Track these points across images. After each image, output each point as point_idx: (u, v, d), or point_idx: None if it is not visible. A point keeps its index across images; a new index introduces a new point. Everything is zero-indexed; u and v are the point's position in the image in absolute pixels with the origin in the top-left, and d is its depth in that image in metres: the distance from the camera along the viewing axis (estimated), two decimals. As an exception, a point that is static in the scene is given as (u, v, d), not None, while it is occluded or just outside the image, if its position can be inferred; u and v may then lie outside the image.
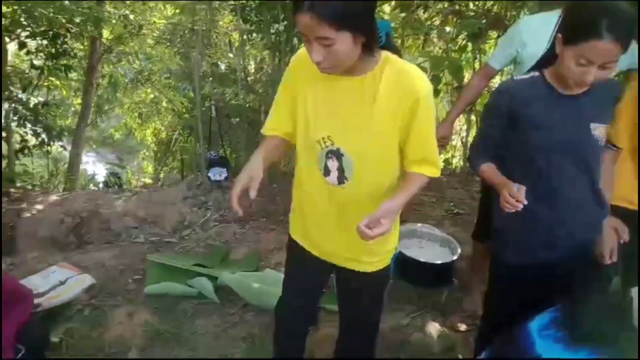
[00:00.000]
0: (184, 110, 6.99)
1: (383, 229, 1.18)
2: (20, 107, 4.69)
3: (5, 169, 4.77)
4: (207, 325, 2.43)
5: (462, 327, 2.42)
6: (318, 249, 1.51)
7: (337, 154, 1.31)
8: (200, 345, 2.30)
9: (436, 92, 3.83)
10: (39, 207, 3.62)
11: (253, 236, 3.32)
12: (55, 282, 2.51)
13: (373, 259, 1.46)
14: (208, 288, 2.58)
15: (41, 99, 5.19)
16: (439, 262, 2.67)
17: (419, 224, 3.06)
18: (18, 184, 4.67)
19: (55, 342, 2.19)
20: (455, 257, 2.71)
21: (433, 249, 2.86)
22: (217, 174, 3.82)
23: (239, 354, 2.25)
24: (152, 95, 8.22)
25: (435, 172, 1.35)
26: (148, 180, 7.98)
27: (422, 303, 2.57)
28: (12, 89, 4.58)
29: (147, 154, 9.93)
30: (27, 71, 5.47)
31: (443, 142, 2.35)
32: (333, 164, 1.33)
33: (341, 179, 1.34)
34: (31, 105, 4.74)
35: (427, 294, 2.64)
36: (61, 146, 5.57)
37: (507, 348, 1.20)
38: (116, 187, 4.95)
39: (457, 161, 4.72)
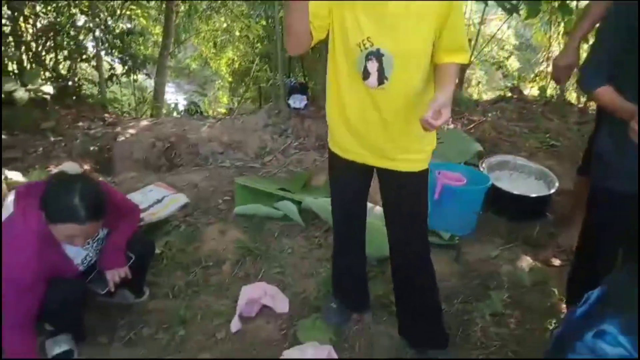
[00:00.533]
0: (257, 39, 6.91)
1: (444, 118, 1.24)
2: (108, 36, 4.86)
3: (97, 96, 5.05)
4: (293, 246, 2.51)
5: (556, 262, 2.31)
6: (358, 154, 1.56)
7: (376, 55, 1.35)
8: (287, 263, 2.39)
9: (534, 12, 3.44)
10: (132, 131, 3.83)
11: (333, 164, 3.31)
12: (153, 200, 2.68)
13: (413, 156, 1.51)
14: (293, 211, 2.64)
15: (128, 26, 5.34)
16: (534, 195, 2.52)
17: (511, 156, 2.88)
18: (110, 110, 4.95)
19: (156, 253, 2.37)
20: (552, 191, 2.54)
21: (527, 182, 2.69)
22: (297, 101, 3.78)
23: (324, 272, 2.31)
24: (225, 25, 8.18)
25: (465, 58, 1.41)
26: (223, 110, 8.17)
27: (513, 236, 2.47)
28: (101, 15, 4.73)
29: (221, 84, 10.10)
30: (111, -1, 5.60)
31: (568, 72, 2.01)
32: (373, 66, 1.36)
33: (381, 79, 1.37)
34: (117, 32, 4.88)
35: (518, 227, 2.52)
36: (145, 74, 5.78)
37: (627, 278, 1.10)
38: (198, 114, 5.11)
39: (553, 90, 4.31)
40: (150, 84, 6.98)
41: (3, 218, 2.48)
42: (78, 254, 1.74)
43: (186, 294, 2.21)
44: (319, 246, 2.51)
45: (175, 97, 9.54)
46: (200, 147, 3.58)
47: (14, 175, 3.05)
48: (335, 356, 1.78)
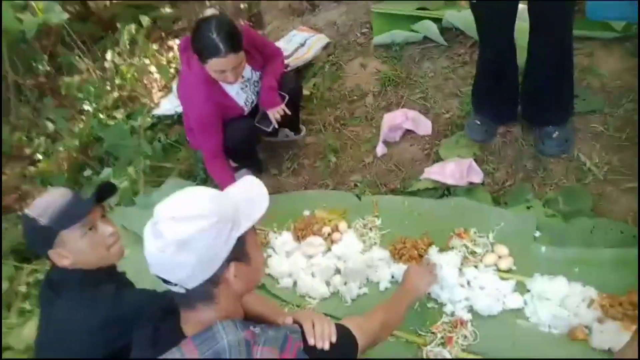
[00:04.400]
0: None
1: None
2: None
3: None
4: (435, 69, 2.41)
5: None
6: None
7: None
8: (429, 87, 2.34)
9: None
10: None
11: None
12: (296, 45, 2.79)
13: None
14: (433, 30, 2.46)
15: None
16: None
17: None
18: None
19: (306, 94, 2.55)
20: None
21: None
22: None
23: (468, 90, 2.20)
24: None
25: None
26: None
27: None
28: None
29: None
30: None
31: None
32: None
33: None
34: None
35: None
36: None
37: None
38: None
39: None
40: None
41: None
42: (239, 97, 2.00)
43: (335, 127, 2.40)
44: (463, 64, 2.35)
45: None
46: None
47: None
48: (477, 168, 1.79)
